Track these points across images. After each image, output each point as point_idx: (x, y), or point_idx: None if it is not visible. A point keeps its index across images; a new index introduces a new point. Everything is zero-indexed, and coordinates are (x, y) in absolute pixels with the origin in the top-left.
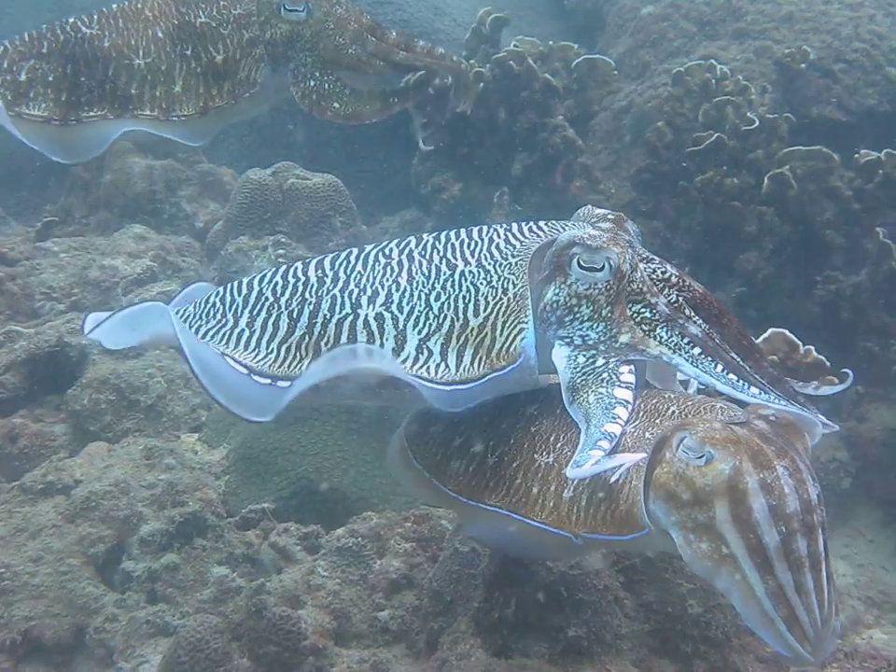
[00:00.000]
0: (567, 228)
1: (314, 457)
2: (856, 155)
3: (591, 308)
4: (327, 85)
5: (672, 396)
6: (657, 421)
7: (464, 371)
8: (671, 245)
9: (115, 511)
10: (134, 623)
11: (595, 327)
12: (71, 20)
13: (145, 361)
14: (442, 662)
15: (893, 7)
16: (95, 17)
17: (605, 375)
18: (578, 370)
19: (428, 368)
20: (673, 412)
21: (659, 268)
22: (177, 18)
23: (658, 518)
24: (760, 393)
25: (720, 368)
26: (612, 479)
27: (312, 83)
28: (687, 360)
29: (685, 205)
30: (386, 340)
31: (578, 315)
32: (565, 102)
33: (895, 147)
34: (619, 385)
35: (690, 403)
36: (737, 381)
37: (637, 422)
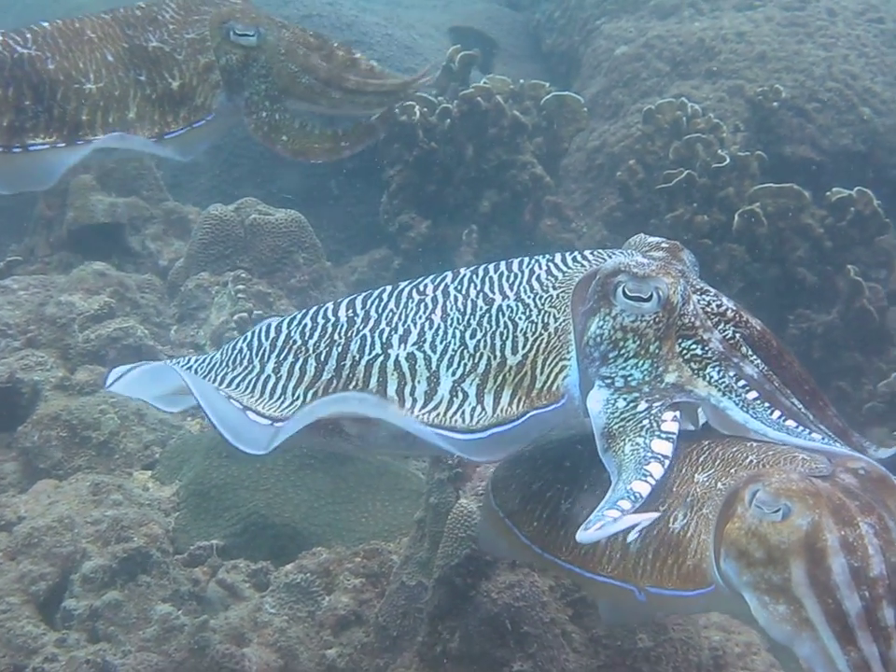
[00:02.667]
0: (614, 256)
1: (265, 493)
2: (828, 193)
3: (637, 343)
4: (277, 116)
5: (754, 444)
6: (732, 471)
7: (501, 412)
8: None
9: (58, 547)
10: (74, 662)
11: (640, 364)
12: None
13: (97, 398)
14: None
15: (867, 47)
16: (29, 36)
17: (645, 423)
18: (616, 415)
19: (463, 412)
20: (751, 461)
21: (714, 301)
22: (126, 41)
23: (729, 577)
24: (823, 439)
25: (776, 414)
26: (677, 531)
27: (264, 114)
28: (738, 404)
29: None
30: (418, 382)
31: (623, 351)
32: (534, 139)
33: (868, 185)
34: (658, 436)
35: (770, 453)
36: (796, 427)
37: (712, 471)
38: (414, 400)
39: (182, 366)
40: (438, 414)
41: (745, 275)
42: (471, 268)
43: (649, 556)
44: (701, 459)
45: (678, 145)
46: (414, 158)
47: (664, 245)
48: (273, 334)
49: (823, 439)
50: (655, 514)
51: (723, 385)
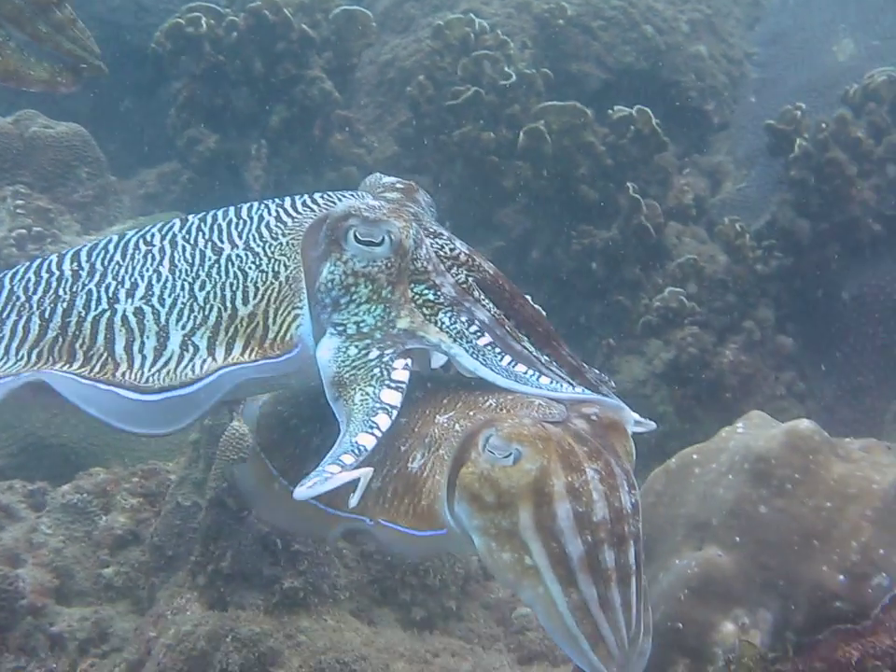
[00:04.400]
0: (344, 199)
1: (43, 412)
2: (609, 111)
3: (369, 288)
4: None
5: (496, 390)
6: (471, 413)
7: (233, 362)
8: (434, 200)
9: None
10: None
11: (372, 310)
12: None
13: None
14: (158, 616)
15: None
16: None
17: (376, 371)
18: (347, 363)
19: (194, 366)
20: (490, 405)
21: (447, 244)
22: None
23: (461, 520)
24: (551, 383)
25: (507, 360)
26: (414, 470)
27: None
28: (468, 351)
29: (445, 160)
30: (147, 338)
31: (355, 297)
32: (323, 54)
33: (649, 103)
34: (388, 385)
35: (510, 397)
36: (525, 373)
37: (453, 412)
38: (144, 357)
39: None
40: (168, 371)
41: (530, 192)
42: (200, 215)
43: (388, 495)
44: (445, 401)
45: (465, 61)
46: (202, 71)
47: (398, 185)
48: None
49: (552, 382)
50: (369, 470)
51: (455, 330)
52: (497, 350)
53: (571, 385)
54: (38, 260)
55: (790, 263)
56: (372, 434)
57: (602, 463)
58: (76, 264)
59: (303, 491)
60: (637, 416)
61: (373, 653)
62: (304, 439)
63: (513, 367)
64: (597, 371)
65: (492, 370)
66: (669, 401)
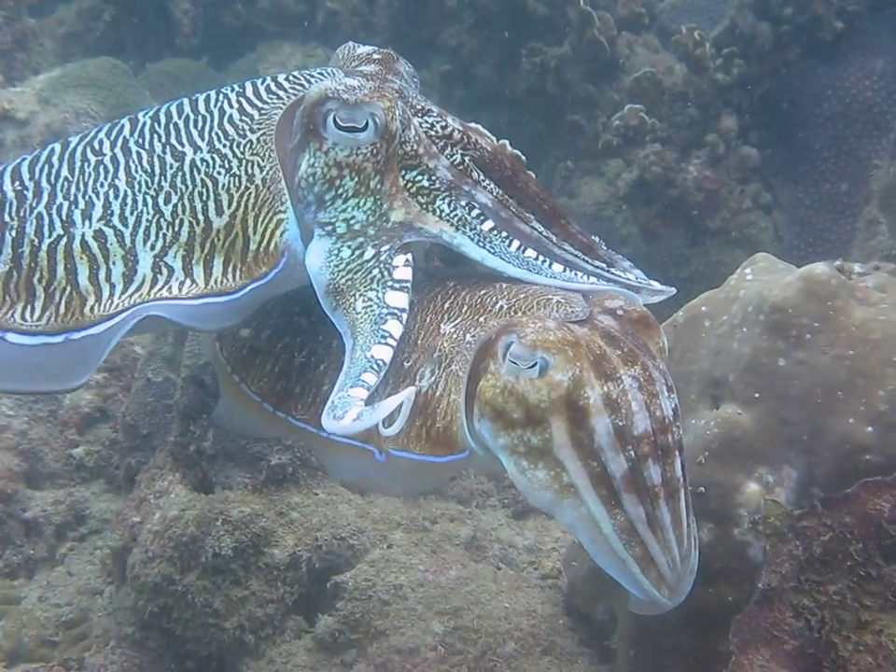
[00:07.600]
0: (315, 79)
1: None
2: None
3: (355, 179)
4: None
5: (503, 286)
6: (481, 319)
7: (216, 283)
8: (370, 22)
9: None
10: None
11: (361, 204)
12: None
13: None
14: (141, 500)
15: None
16: None
17: (375, 272)
18: (342, 267)
19: (171, 289)
20: (501, 307)
21: (438, 122)
22: None
23: (484, 439)
24: (564, 271)
25: (514, 246)
26: (424, 389)
27: None
28: (472, 239)
29: None
30: (113, 264)
31: (341, 191)
32: None
33: None
34: (392, 287)
35: (522, 296)
36: (536, 259)
37: (459, 319)
38: (112, 286)
39: None
40: (141, 295)
41: (476, 10)
42: (150, 112)
43: (395, 417)
44: (447, 306)
45: None
46: None
47: (375, 56)
48: None
49: (565, 270)
50: (412, 390)
51: (456, 218)
52: (504, 234)
53: (585, 270)
54: None
55: (751, 70)
56: (387, 344)
57: (639, 367)
58: (17, 183)
59: (343, 425)
60: (656, 285)
61: (370, 525)
62: (284, 354)
63: (523, 252)
64: (607, 248)
65: (501, 258)
66: (633, 222)
